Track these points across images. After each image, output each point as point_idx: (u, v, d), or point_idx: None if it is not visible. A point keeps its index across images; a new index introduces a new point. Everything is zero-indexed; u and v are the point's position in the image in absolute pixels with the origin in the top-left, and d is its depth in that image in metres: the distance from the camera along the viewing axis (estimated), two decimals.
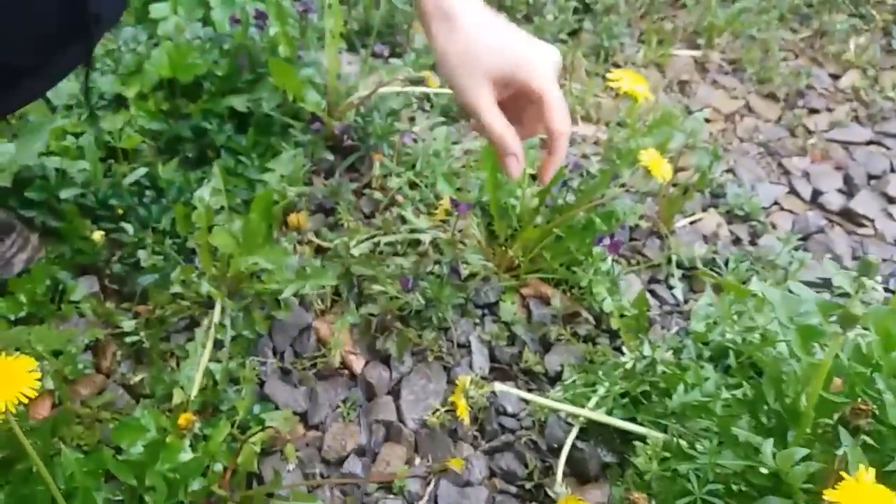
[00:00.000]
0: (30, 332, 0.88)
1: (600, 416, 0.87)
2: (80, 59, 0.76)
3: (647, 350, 0.90)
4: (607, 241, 0.99)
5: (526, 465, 0.87)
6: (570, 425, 0.89)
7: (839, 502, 0.52)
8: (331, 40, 1.23)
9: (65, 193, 1.06)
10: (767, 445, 0.65)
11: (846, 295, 0.62)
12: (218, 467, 0.80)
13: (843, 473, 0.56)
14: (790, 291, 0.78)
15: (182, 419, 0.81)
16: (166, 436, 0.79)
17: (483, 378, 0.94)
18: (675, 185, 1.21)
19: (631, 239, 1.17)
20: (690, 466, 0.71)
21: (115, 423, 0.81)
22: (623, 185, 1.11)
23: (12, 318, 0.91)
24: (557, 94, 0.68)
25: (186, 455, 0.77)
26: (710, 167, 1.16)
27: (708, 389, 0.83)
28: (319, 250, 1.11)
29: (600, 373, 0.92)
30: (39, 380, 0.56)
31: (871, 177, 1.33)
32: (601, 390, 0.90)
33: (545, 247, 1.06)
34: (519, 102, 0.73)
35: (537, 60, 0.68)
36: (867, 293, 0.62)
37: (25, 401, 0.55)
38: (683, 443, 0.75)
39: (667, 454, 0.75)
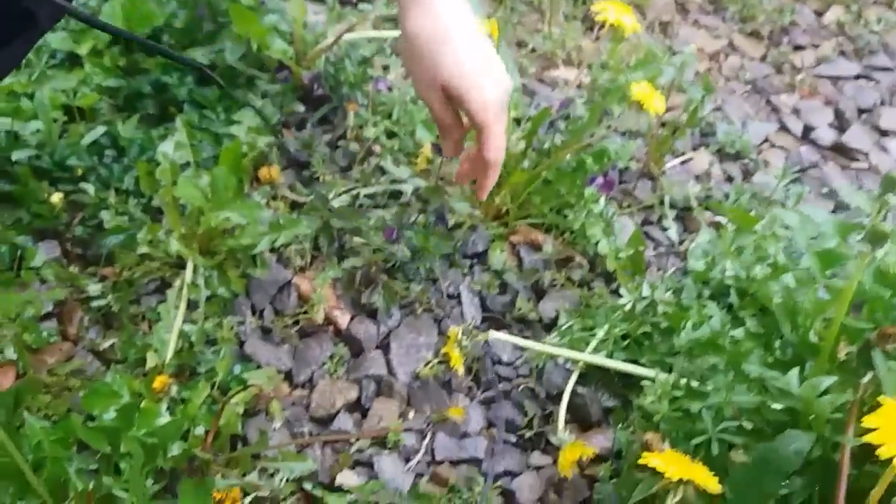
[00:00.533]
0: None
1: (601, 360, 0.84)
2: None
3: (646, 290, 0.87)
4: (600, 180, 0.95)
5: (525, 414, 0.84)
6: (569, 371, 0.86)
7: (879, 427, 0.49)
8: None
9: (17, 155, 0.99)
10: (792, 377, 0.62)
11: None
12: (199, 431, 0.75)
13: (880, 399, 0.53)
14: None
15: (157, 382, 0.76)
16: (141, 401, 0.74)
17: (475, 328, 0.90)
18: (663, 124, 1.17)
19: (621, 182, 1.13)
20: (702, 405, 0.68)
21: (85, 391, 0.76)
22: (610, 126, 1.07)
23: None
24: (498, 129, 0.69)
25: (164, 419, 0.72)
26: (701, 101, 1.12)
27: (714, 327, 0.80)
28: (294, 206, 1.05)
29: (598, 316, 0.89)
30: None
31: (861, 111, 1.31)
32: (600, 334, 0.86)
33: (533, 192, 1.02)
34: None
35: (487, 90, 0.68)
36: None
37: None
38: (693, 382, 0.72)
39: (676, 394, 0.72)
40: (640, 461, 0.57)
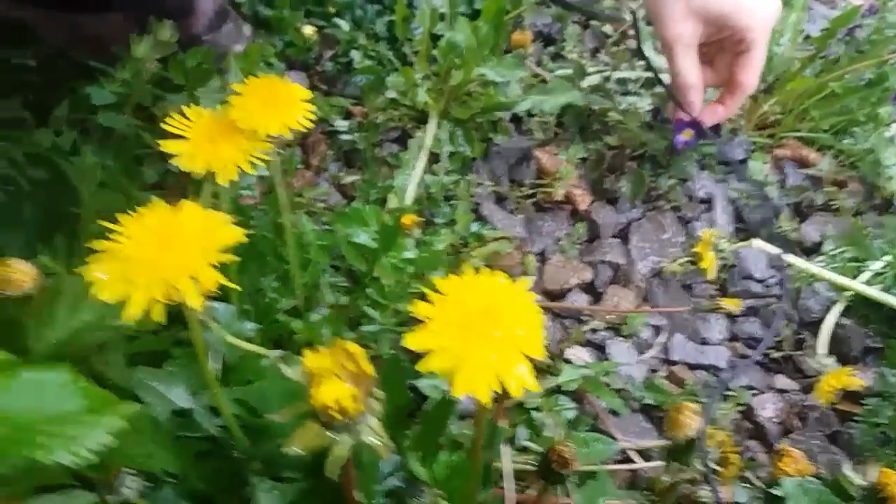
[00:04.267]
0: None
1: (875, 293, 0.78)
2: None
3: None
4: None
5: (774, 334, 0.80)
6: (829, 299, 0.81)
7: None
8: None
9: None
10: None
11: None
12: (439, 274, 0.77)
13: None
14: None
15: (407, 218, 0.78)
16: (392, 232, 0.77)
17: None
18: None
19: None
20: None
21: (335, 213, 0.80)
22: None
23: (223, 97, 0.91)
24: (762, 53, 0.69)
25: (411, 254, 0.74)
26: None
27: None
28: (537, 78, 1.04)
29: (872, 248, 0.82)
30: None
31: None
32: (876, 265, 0.80)
33: (812, 105, 0.95)
34: (715, 48, 0.74)
35: (758, 9, 0.67)
36: None
37: (300, 127, 0.53)
38: None
39: None
40: None
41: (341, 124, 0.93)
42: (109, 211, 0.56)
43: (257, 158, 0.51)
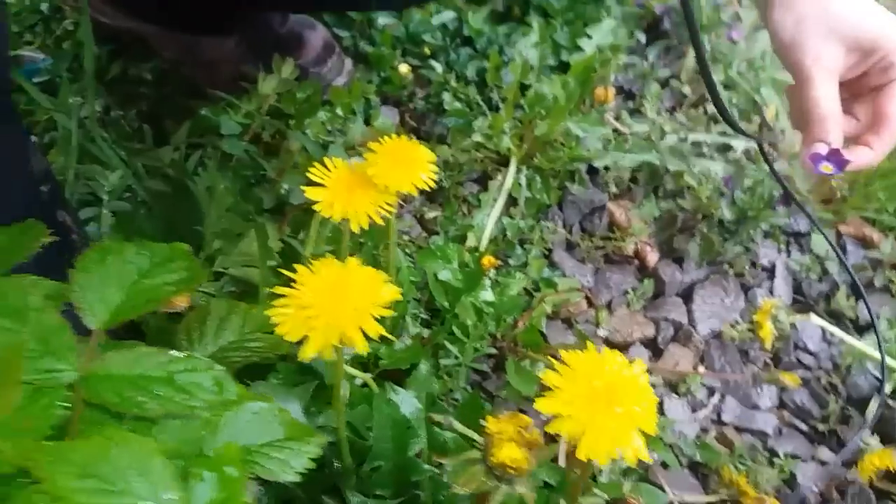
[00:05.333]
0: None
1: None
2: None
3: None
4: None
5: (821, 407, 0.85)
6: (879, 380, 0.85)
7: None
8: None
9: (382, 19, 1.11)
10: None
11: None
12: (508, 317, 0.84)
13: None
14: None
15: (486, 260, 0.85)
16: (471, 271, 0.84)
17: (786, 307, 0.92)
18: None
19: None
20: None
21: (420, 249, 0.87)
22: None
23: (329, 128, 0.99)
24: None
25: (489, 295, 0.81)
26: None
27: None
28: (615, 132, 1.10)
29: None
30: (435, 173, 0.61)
31: None
32: None
33: (882, 186, 0.99)
34: (857, 88, 0.64)
35: None
36: None
37: (425, 186, 0.60)
38: None
39: None
40: None
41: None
42: (231, 232, 0.64)
43: (384, 209, 0.58)
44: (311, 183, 0.57)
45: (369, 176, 0.58)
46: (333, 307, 0.43)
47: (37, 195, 0.67)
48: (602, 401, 0.40)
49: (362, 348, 0.44)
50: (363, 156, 0.61)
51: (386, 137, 0.63)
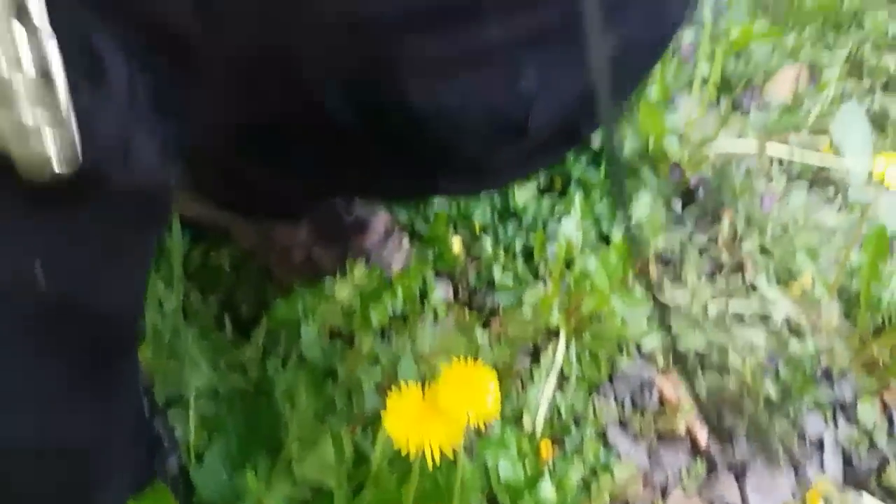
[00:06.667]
0: None
1: None
2: None
3: None
4: None
5: None
6: None
7: None
8: (704, 88, 1.28)
9: (437, 203, 1.21)
10: None
11: None
12: None
13: None
14: None
15: (544, 449, 0.90)
16: (530, 461, 0.88)
17: (837, 487, 0.94)
18: None
19: None
20: None
21: (480, 438, 0.92)
22: None
23: (391, 313, 1.06)
24: None
25: (547, 486, 0.85)
26: None
27: None
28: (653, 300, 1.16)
29: None
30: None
31: None
32: None
33: None
34: None
35: None
36: None
37: (490, 413, 0.66)
38: None
39: None
40: None
41: (482, 338, 1.07)
42: (311, 440, 0.70)
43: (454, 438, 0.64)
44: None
45: (440, 405, 0.64)
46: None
47: (142, 410, 0.73)
48: None
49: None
50: (434, 375, 0.67)
51: (454, 359, 0.69)
